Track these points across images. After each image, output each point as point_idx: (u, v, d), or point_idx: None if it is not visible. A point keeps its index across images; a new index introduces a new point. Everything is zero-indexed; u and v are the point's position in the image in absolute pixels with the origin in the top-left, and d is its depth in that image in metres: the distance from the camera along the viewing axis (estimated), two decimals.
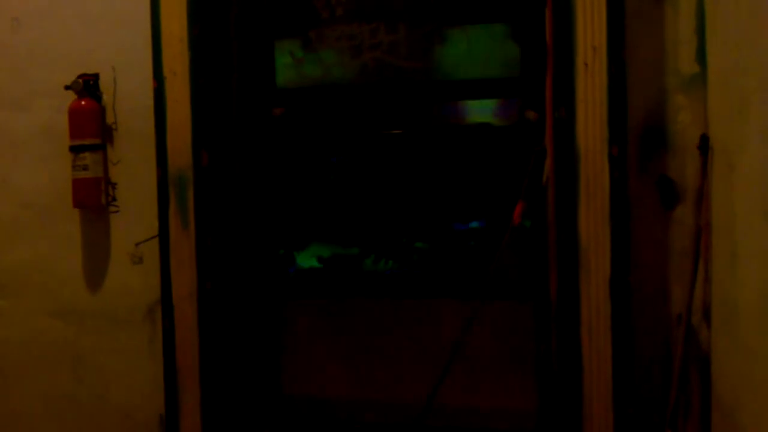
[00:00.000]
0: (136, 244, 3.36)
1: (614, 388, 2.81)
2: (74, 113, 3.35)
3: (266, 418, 3.52)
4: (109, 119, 3.40)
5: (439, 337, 3.38)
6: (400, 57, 3.40)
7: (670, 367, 2.78)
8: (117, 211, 3.40)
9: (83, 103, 3.35)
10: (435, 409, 3.25)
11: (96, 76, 3.38)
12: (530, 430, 3.26)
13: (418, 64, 3.39)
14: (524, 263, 3.29)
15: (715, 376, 2.61)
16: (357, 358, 3.52)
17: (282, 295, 3.58)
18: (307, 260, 3.60)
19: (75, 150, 3.34)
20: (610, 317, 2.80)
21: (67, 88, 3.36)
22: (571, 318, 2.87)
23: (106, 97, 3.40)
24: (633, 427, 2.82)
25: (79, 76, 3.36)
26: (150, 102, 3.25)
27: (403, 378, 3.46)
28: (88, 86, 3.36)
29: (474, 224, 3.41)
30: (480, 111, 3.38)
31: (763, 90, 2.02)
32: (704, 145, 2.64)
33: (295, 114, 3.53)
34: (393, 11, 3.40)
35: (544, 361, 3.11)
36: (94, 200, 3.36)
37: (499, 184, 3.33)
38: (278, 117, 3.52)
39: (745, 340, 2.26)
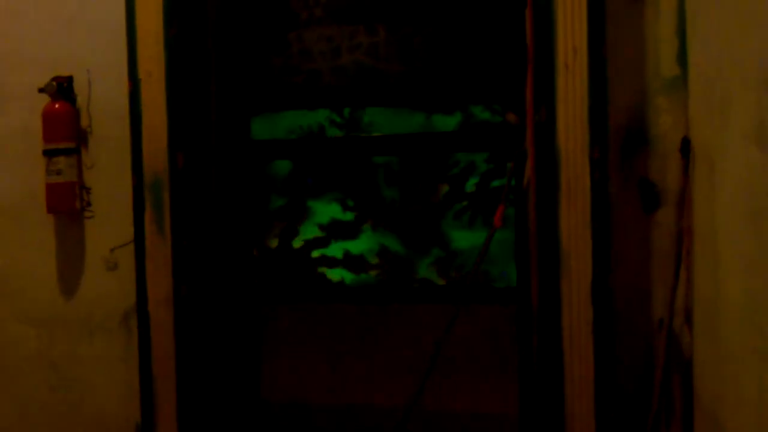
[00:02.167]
0: (111, 250, 3.31)
1: (596, 392, 2.78)
2: (48, 116, 3.30)
3: (244, 425, 3.48)
4: (84, 122, 3.35)
5: (422, 342, 3.35)
6: (380, 59, 3.37)
7: (652, 370, 2.76)
8: (92, 216, 3.36)
9: (57, 106, 3.30)
10: (417, 414, 3.22)
11: (70, 79, 3.34)
12: None
13: (399, 67, 3.36)
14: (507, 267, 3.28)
15: (697, 380, 2.59)
16: (337, 362, 3.49)
17: (260, 299, 3.55)
18: None
19: (49, 154, 3.29)
20: (592, 321, 2.78)
21: (40, 90, 3.31)
22: (553, 322, 2.85)
23: (81, 100, 3.35)
24: None
25: (53, 79, 3.30)
26: (125, 104, 3.19)
27: (385, 383, 3.43)
28: (62, 89, 3.31)
29: None
30: None
31: (746, 92, 2.00)
32: (685, 147, 2.62)
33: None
34: (373, 13, 3.37)
35: (527, 365, 3.09)
36: (68, 205, 3.31)
37: None
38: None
39: (728, 345, 2.24)
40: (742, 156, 2.07)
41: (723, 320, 2.29)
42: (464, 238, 3.40)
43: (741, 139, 2.07)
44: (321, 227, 3.52)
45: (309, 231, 3.54)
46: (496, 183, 3.29)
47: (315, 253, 3.54)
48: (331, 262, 3.53)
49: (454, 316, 3.04)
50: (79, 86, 3.34)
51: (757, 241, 1.96)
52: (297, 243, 3.55)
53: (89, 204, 3.35)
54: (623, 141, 2.80)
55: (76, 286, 3.40)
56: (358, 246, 3.49)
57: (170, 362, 3.18)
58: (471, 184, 3.35)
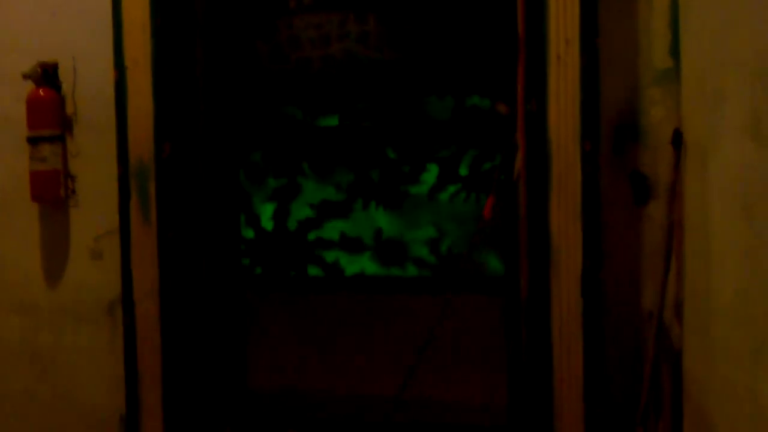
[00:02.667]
0: (95, 238, 3.27)
1: (585, 385, 2.77)
2: (32, 103, 3.24)
3: (231, 414, 3.46)
4: (69, 110, 3.30)
5: (409, 331, 3.34)
6: (370, 48, 3.34)
7: (641, 363, 2.75)
8: (76, 205, 3.31)
9: (41, 92, 3.24)
10: (405, 404, 3.22)
11: (55, 65, 3.28)
12: (501, 425, 3.23)
13: (389, 56, 3.34)
14: (496, 258, 3.27)
15: (686, 374, 2.58)
16: (325, 350, 3.48)
17: (247, 289, 3.53)
18: None
19: (33, 141, 3.24)
20: (581, 314, 2.77)
21: (25, 76, 3.25)
22: (542, 314, 2.84)
23: (66, 87, 3.30)
24: (604, 425, 2.79)
25: (38, 65, 3.25)
26: (111, 92, 3.16)
27: (372, 372, 3.42)
28: (47, 75, 3.25)
29: None
30: None
31: (740, 84, 1.99)
32: (677, 140, 2.60)
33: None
34: (362, 1, 3.34)
35: (515, 356, 3.08)
36: (52, 193, 3.26)
37: None
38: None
39: (718, 338, 2.23)
40: (735, 148, 2.06)
41: (713, 313, 2.28)
42: (457, 220, 3.40)
43: (734, 131, 2.06)
44: (312, 206, 3.52)
45: (301, 211, 3.54)
46: (487, 165, 3.29)
47: (311, 236, 3.53)
48: (328, 244, 3.53)
49: (444, 307, 3.03)
50: (64, 73, 3.29)
51: (749, 235, 1.95)
52: (292, 224, 3.54)
53: (74, 192, 3.31)
54: (615, 133, 2.78)
55: (61, 275, 3.35)
56: (352, 228, 3.49)
57: (156, 353, 3.15)
58: (464, 167, 3.34)
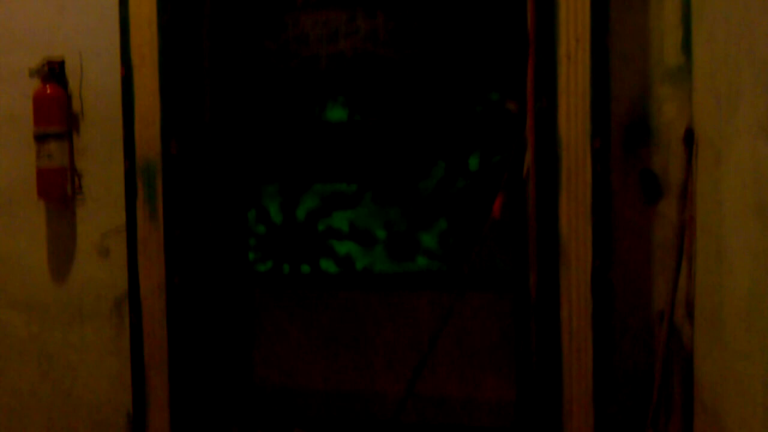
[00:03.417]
0: (102, 235, 3.26)
1: (595, 385, 2.77)
2: (39, 100, 3.24)
3: (238, 412, 3.46)
4: (76, 106, 3.29)
5: (416, 329, 3.33)
6: (378, 44, 3.32)
7: (652, 363, 2.73)
8: (83, 202, 3.30)
9: (48, 89, 3.24)
10: (412, 403, 3.21)
11: (62, 62, 3.27)
12: (509, 425, 3.21)
13: (398, 53, 3.32)
14: (504, 256, 3.25)
15: (698, 375, 2.56)
16: (329, 349, 3.47)
17: (255, 285, 3.52)
18: None
19: (39, 138, 3.23)
20: (591, 314, 2.76)
21: (32, 74, 3.26)
22: (551, 314, 2.82)
23: (73, 84, 3.29)
24: (614, 426, 2.77)
25: (45, 62, 3.25)
26: (118, 89, 3.16)
27: (379, 370, 3.41)
28: (53, 72, 3.25)
29: None
30: None
31: (755, 82, 1.96)
32: (689, 138, 2.57)
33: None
34: None
35: (524, 355, 3.07)
36: (59, 190, 3.26)
37: None
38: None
39: (731, 340, 2.21)
40: (749, 148, 2.03)
41: (726, 313, 2.25)
42: (466, 216, 3.38)
43: (748, 130, 2.03)
44: (322, 200, 3.50)
45: (312, 205, 3.53)
46: (497, 158, 3.28)
47: (321, 226, 3.52)
48: (338, 236, 3.52)
49: (451, 305, 3.02)
50: (71, 70, 3.28)
51: (763, 235, 1.92)
52: (302, 218, 3.52)
53: (81, 189, 3.30)
54: (625, 131, 2.76)
55: (67, 272, 3.35)
56: (363, 220, 3.48)
57: (162, 351, 3.16)
58: (473, 163, 3.33)
